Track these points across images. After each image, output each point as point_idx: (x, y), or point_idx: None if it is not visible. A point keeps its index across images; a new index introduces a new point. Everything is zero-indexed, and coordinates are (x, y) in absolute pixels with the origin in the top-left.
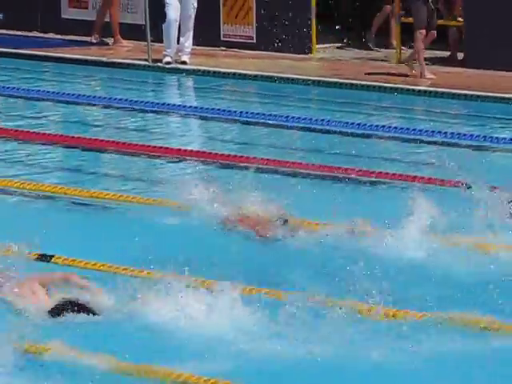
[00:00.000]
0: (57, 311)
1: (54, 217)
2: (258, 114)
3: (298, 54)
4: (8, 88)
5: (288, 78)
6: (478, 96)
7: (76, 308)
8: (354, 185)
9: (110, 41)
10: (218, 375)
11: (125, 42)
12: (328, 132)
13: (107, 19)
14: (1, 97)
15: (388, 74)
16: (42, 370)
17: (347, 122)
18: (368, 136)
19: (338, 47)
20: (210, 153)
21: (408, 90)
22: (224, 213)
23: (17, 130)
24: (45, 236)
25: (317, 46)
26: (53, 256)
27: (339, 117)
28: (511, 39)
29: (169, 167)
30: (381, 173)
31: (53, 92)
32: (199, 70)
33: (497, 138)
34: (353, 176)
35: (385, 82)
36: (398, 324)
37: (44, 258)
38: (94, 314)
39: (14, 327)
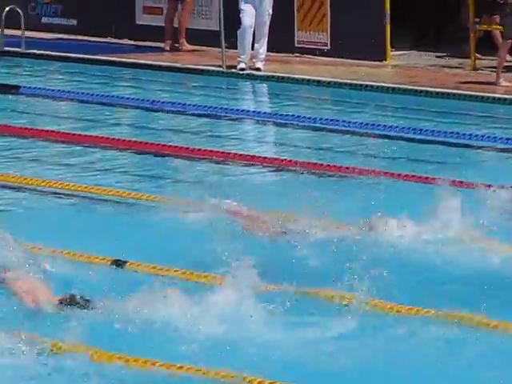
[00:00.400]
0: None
1: (131, 222)
2: (331, 120)
3: (372, 60)
4: (82, 94)
5: (362, 85)
6: None
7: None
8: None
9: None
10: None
11: (190, 47)
12: (406, 140)
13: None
14: (75, 102)
15: (468, 82)
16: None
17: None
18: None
19: (412, 54)
20: (284, 159)
21: (488, 97)
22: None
23: (91, 136)
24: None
25: (391, 52)
26: (126, 262)
27: (415, 124)
28: None
29: (243, 173)
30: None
31: (127, 98)
32: (273, 77)
33: None
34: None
35: (464, 90)
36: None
37: (117, 263)
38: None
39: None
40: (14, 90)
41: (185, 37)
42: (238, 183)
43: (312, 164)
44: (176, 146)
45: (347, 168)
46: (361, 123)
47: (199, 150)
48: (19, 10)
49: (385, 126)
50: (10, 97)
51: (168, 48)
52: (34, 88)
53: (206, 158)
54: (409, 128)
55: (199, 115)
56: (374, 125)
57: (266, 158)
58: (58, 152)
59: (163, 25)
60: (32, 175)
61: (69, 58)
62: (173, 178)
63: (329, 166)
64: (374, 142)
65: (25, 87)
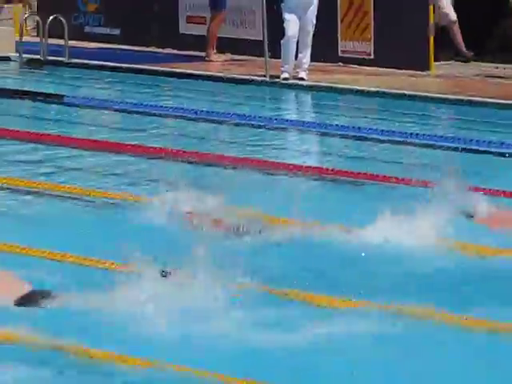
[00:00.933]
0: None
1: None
2: (375, 130)
3: (416, 70)
4: (125, 103)
5: (406, 95)
6: None
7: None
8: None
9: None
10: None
11: (216, 56)
12: (452, 149)
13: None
14: (118, 112)
15: None
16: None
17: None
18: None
19: (456, 64)
20: (327, 168)
21: None
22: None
23: (134, 145)
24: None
25: (434, 62)
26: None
27: (463, 134)
28: None
29: (286, 182)
30: None
31: (171, 107)
32: (317, 86)
33: None
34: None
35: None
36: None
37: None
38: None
39: None
40: (57, 99)
41: (214, 47)
42: (282, 192)
43: (355, 173)
44: (220, 155)
45: (388, 177)
46: (404, 133)
47: (242, 158)
48: (63, 20)
49: (429, 135)
50: (53, 106)
51: (212, 58)
52: (78, 97)
53: (249, 166)
54: (454, 138)
55: (242, 125)
56: (417, 134)
57: (308, 167)
58: (101, 162)
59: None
60: (79, 185)
61: (112, 67)
62: (217, 186)
63: (371, 175)
64: (417, 151)
65: (68, 96)
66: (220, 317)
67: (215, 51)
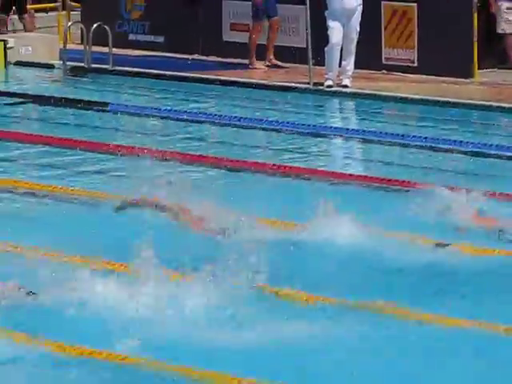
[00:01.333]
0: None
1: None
2: (419, 137)
3: (460, 77)
4: (169, 110)
5: (449, 102)
6: None
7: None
8: None
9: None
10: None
11: (257, 64)
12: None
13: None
14: (161, 119)
15: None
16: None
17: None
18: None
19: (500, 71)
20: (372, 176)
21: None
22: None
23: (178, 152)
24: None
25: (478, 70)
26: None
27: (507, 142)
28: None
29: (330, 190)
30: None
31: (214, 114)
32: (360, 94)
33: None
34: None
35: None
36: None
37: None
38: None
39: None
40: (101, 106)
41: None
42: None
43: (400, 181)
44: (264, 163)
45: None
46: (448, 140)
47: (285, 166)
48: (107, 27)
49: (472, 143)
50: (97, 113)
51: (256, 65)
52: (122, 105)
53: (293, 174)
54: (497, 146)
55: (286, 132)
56: (461, 142)
57: (351, 174)
58: (146, 167)
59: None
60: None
61: (155, 74)
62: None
63: (415, 182)
64: (460, 158)
65: (112, 104)
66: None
67: (272, 58)
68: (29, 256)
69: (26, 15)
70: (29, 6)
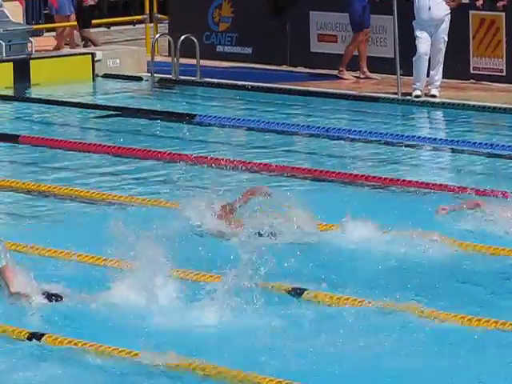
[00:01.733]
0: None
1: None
2: (508, 146)
3: None
4: (257, 122)
5: None
6: None
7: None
8: None
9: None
10: None
11: (346, 75)
12: None
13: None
14: (249, 130)
15: None
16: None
17: None
18: None
19: None
20: (460, 186)
21: None
22: None
23: (265, 164)
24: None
25: None
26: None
27: None
28: None
29: (419, 200)
30: None
31: (302, 126)
32: (448, 103)
33: None
34: None
35: None
36: None
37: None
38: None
39: None
40: (189, 118)
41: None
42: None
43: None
44: (351, 174)
45: None
46: None
47: (374, 177)
48: (194, 39)
49: None
50: (185, 125)
51: (345, 76)
52: (209, 116)
53: (381, 184)
54: None
55: (375, 142)
56: None
57: (441, 184)
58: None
59: (337, 52)
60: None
61: (243, 86)
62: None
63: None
64: None
65: (200, 115)
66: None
67: (366, 70)
68: (109, 265)
69: (90, 29)
70: (117, 19)
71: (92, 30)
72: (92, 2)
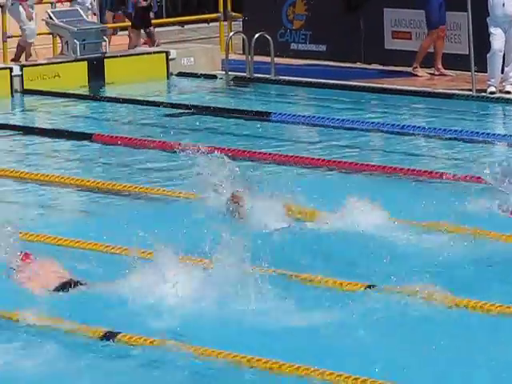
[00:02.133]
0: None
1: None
2: None
3: None
4: (331, 119)
5: None
6: None
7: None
8: None
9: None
10: None
11: (420, 72)
12: None
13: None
14: (323, 128)
15: None
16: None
17: None
18: None
19: None
20: None
21: None
22: None
23: (340, 161)
24: None
25: None
26: None
27: None
28: None
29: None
30: None
31: (377, 123)
32: None
33: None
34: None
35: None
36: None
37: None
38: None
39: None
40: (264, 116)
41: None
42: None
43: None
44: (425, 171)
45: None
46: None
47: (450, 175)
48: (268, 37)
49: None
50: (260, 123)
51: (419, 73)
52: (284, 114)
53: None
54: None
55: (450, 139)
56: None
57: None
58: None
59: (412, 49)
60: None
61: (318, 83)
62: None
63: None
64: None
65: (275, 113)
66: None
67: (441, 67)
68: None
69: (152, 28)
70: (191, 17)
71: (166, 28)
72: (144, 4)
